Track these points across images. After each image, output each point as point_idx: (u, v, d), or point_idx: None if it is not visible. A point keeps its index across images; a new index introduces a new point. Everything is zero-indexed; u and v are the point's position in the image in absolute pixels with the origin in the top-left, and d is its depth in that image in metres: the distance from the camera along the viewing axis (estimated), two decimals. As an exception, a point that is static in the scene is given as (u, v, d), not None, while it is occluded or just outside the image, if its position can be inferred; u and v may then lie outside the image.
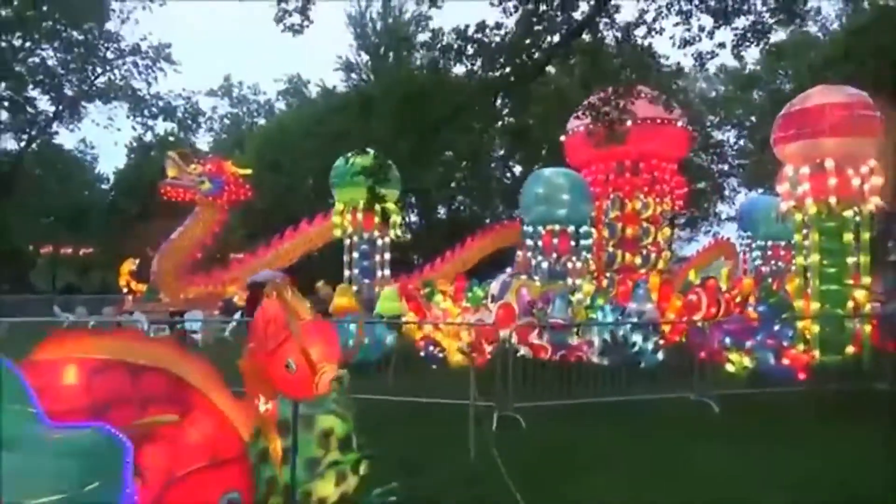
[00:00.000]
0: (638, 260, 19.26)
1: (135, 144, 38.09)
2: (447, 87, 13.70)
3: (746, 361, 10.41)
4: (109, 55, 36.37)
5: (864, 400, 8.27)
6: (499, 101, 14.53)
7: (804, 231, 11.98)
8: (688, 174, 46.22)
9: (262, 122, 49.87)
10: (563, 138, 20.63)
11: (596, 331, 12.08)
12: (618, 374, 9.13)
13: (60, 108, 36.86)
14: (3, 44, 33.95)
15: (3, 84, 35.45)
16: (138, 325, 18.32)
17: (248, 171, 24.27)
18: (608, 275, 19.24)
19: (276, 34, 11.12)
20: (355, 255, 16.01)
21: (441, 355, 12.14)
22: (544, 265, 15.63)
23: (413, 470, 5.44)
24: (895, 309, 12.00)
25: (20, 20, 33.80)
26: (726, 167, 46.05)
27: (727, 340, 10.76)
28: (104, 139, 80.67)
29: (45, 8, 33.98)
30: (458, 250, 26.86)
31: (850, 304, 11.37)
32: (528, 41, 11.56)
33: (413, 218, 51.16)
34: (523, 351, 12.54)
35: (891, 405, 8.07)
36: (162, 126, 38.36)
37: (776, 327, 10.63)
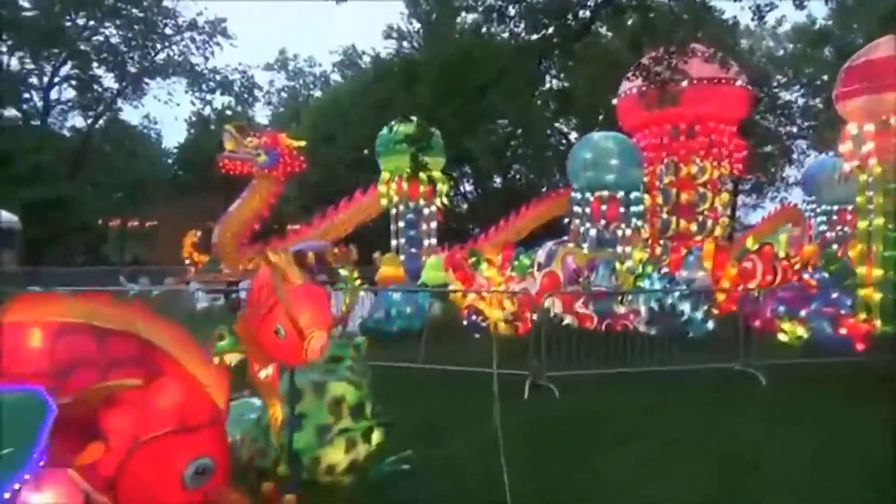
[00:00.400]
0: (693, 227, 18.61)
1: (194, 119, 39.00)
2: (490, 51, 13.39)
3: (800, 331, 9.93)
4: (168, 31, 37.17)
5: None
6: (543, 64, 14.13)
7: (868, 193, 11.27)
8: (752, 137, 44.47)
9: (317, 94, 50.24)
10: (614, 101, 19.99)
11: (643, 299, 11.76)
12: (660, 344, 8.83)
13: (124, 84, 37.98)
14: (68, 23, 35.06)
15: (70, 63, 36.71)
16: (195, 294, 18.96)
17: (303, 143, 24.58)
18: (661, 242, 18.67)
19: (331, 6, 11.00)
20: (401, 224, 15.98)
21: (484, 324, 12.01)
22: (592, 232, 15.26)
23: (432, 439, 5.39)
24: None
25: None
26: (794, 129, 43.84)
27: (781, 309, 10.27)
28: (165, 114, 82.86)
29: (106, -14, 34.87)
30: (513, 219, 26.72)
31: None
32: (572, -2, 11.18)
33: (468, 187, 51.04)
34: (568, 320, 12.33)
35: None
36: (219, 100, 39.12)
37: (834, 295, 10.06)
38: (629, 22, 12.88)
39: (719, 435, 5.96)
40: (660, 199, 19.06)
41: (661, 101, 13.56)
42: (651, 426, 6.23)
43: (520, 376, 7.38)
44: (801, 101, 43.46)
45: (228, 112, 38.37)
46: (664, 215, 19.00)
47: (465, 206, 50.08)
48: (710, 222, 18.68)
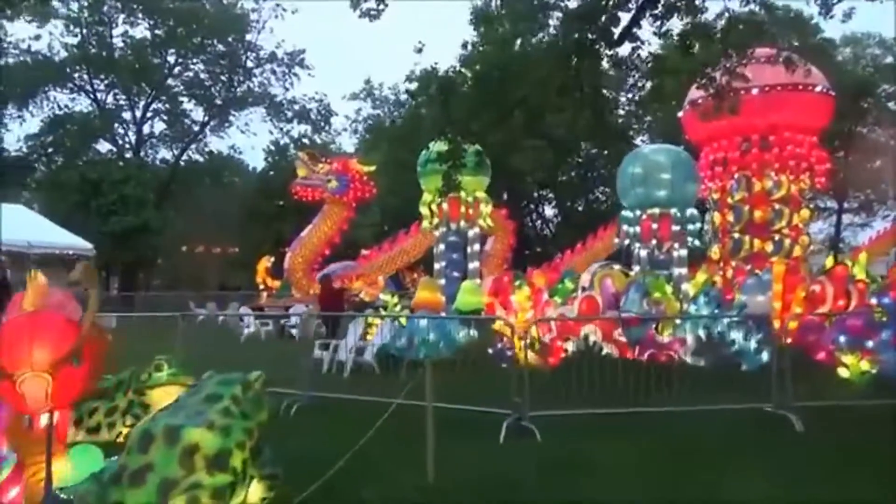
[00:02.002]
0: (770, 246, 16.88)
1: (272, 148, 40.18)
2: (526, 60, 12.65)
3: (865, 365, 8.45)
4: (249, 64, 38.53)
5: None
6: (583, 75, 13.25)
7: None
8: (860, 151, 41.05)
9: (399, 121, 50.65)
10: (679, 114, 18.63)
11: (689, 327, 10.53)
12: (690, 378, 7.68)
13: (209, 117, 39.64)
14: (157, 60, 36.99)
15: (161, 98, 38.69)
16: (243, 319, 18.98)
17: (372, 168, 24.64)
18: (733, 264, 17.05)
19: (409, 30, 10.70)
20: (441, 246, 15.29)
21: (510, 353, 11.08)
22: (643, 253, 14.02)
23: (334, 485, 4.62)
24: None
25: (172, 37, 36.66)
26: (907, 141, 40.27)
27: (842, 339, 8.82)
28: (244, 144, 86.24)
29: (194, 25, 36.61)
30: (590, 241, 25.81)
31: None
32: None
33: (550, 212, 49.89)
34: (608, 349, 11.24)
35: None
36: (297, 129, 40.10)
37: (908, 323, 8.53)
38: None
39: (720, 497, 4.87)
40: (731, 217, 17.47)
41: (718, 110, 12.31)
42: (638, 483, 5.20)
43: (503, 416, 6.47)
44: (913, 111, 39.90)
45: (305, 140, 39.25)
46: (736, 234, 17.38)
47: (547, 230, 49.06)
48: (787, 241, 16.89)
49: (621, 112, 38.80)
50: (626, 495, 4.95)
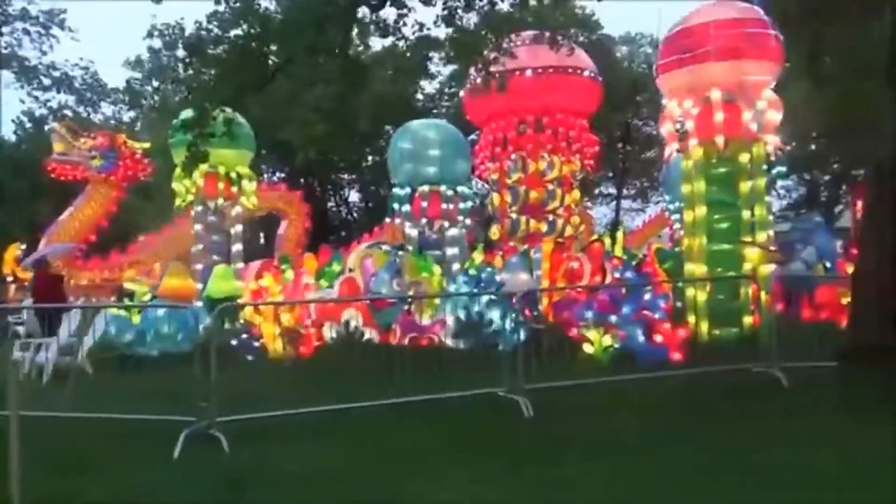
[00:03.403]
0: (544, 227, 17.14)
1: (23, 119, 35.14)
2: (283, 20, 11.37)
3: (608, 340, 8.34)
4: (-8, 18, 33.02)
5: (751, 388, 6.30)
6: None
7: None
8: (636, 142, 44.47)
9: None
10: (461, 92, 18.40)
11: (449, 308, 9.98)
12: (423, 365, 7.00)
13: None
14: None
15: None
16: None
17: (147, 146, 22.04)
18: (511, 244, 17.12)
19: None
20: (198, 227, 13.63)
21: (258, 344, 9.88)
22: (414, 232, 13.43)
23: None
24: (796, 269, 9.99)
25: None
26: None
27: (588, 315, 8.67)
28: None
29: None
30: (387, 225, 24.88)
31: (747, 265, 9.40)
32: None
33: (355, 196, 48.78)
34: (370, 335, 10.42)
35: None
36: (59, 99, 35.17)
37: (647, 297, 8.55)
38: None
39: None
40: (508, 198, 17.53)
41: (486, 85, 11.87)
42: (333, 494, 4.29)
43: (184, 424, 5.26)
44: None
45: (67, 112, 34.59)
46: (514, 215, 17.48)
47: (350, 216, 47.98)
48: (560, 222, 17.27)
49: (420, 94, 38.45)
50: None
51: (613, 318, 8.49)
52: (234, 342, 9.77)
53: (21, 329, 14.44)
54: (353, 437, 5.44)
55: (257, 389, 6.95)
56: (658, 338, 8.33)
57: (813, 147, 30.33)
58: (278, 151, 29.72)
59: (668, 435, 5.12)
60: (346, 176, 45.94)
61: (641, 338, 8.31)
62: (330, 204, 45.24)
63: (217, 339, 10.30)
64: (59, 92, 34.24)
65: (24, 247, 23.49)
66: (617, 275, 10.15)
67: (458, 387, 6.29)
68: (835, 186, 35.67)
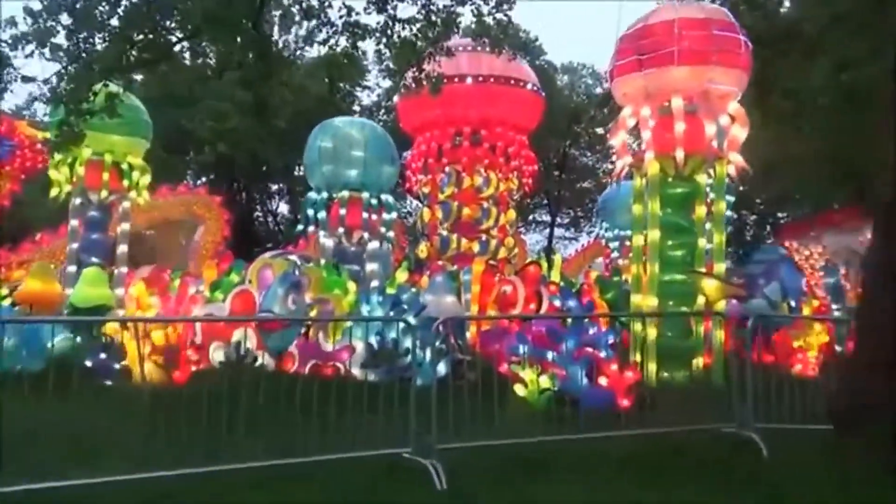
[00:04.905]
0: (476, 247, 15.83)
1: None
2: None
3: (545, 381, 6.95)
4: None
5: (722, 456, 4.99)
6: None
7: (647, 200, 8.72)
8: (573, 171, 44.08)
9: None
10: (396, 98, 17.02)
11: (360, 333, 8.43)
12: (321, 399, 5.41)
13: None
14: None
15: None
16: None
17: (47, 135, 19.73)
18: (440, 263, 15.72)
19: None
20: (75, 222, 11.65)
21: (119, 366, 8.03)
22: (329, 243, 11.83)
23: None
24: (758, 305, 8.89)
25: None
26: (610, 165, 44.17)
27: (522, 349, 7.28)
28: None
29: None
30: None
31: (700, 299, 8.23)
32: None
33: (284, 207, 46.55)
34: (262, 359, 8.74)
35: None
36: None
37: (591, 331, 7.23)
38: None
39: None
40: (440, 214, 16.16)
41: (418, 85, 10.51)
42: None
43: None
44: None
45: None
46: (444, 232, 16.11)
47: (276, 228, 45.77)
48: (493, 242, 15.99)
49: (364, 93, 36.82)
50: None
51: (551, 356, 7.11)
52: (88, 363, 7.90)
53: None
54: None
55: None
56: (603, 380, 6.99)
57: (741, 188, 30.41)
58: (183, 144, 27.08)
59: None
60: (275, 186, 43.81)
61: (585, 380, 6.95)
62: (256, 213, 42.97)
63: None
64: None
65: None
66: (556, 303, 8.82)
67: (354, 441, 4.75)
68: (759, 227, 36.02)
